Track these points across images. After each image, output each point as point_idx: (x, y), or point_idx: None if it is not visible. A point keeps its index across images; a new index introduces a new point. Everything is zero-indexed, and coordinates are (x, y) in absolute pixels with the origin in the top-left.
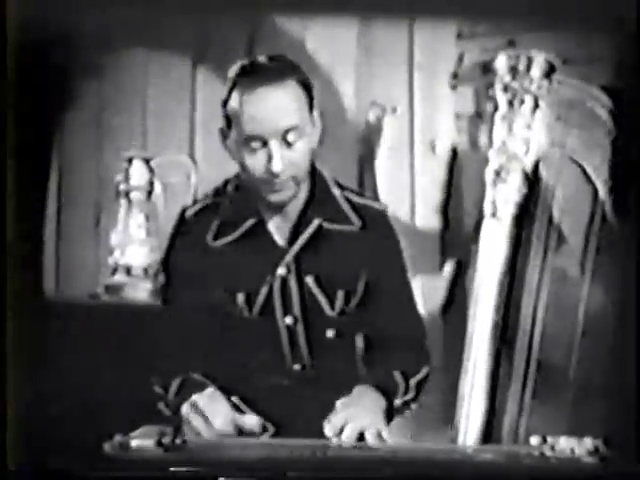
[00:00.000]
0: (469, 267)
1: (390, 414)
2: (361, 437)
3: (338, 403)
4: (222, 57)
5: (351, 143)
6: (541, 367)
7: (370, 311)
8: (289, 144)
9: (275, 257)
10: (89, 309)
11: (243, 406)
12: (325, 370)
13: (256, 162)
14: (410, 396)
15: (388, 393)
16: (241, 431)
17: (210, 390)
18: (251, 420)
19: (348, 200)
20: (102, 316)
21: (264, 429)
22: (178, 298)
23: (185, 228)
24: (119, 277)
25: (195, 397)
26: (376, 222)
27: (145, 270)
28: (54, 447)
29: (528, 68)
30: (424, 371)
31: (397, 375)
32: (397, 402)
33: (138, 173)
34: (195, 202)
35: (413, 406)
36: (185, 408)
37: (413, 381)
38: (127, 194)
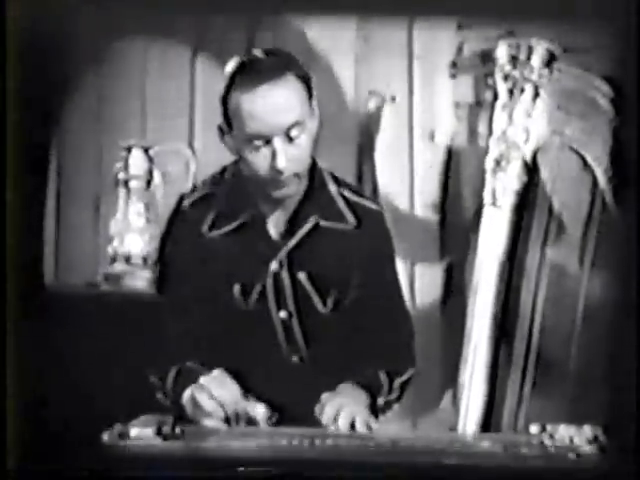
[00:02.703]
0: (469, 256)
1: (374, 410)
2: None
3: (323, 397)
4: (222, 46)
5: (350, 132)
6: (541, 356)
7: (361, 309)
8: (292, 140)
9: (269, 250)
10: (88, 298)
11: (248, 394)
12: (322, 361)
13: (259, 159)
14: (393, 396)
15: (372, 391)
16: (248, 417)
17: (218, 372)
18: (258, 409)
19: (344, 198)
20: (101, 305)
21: (270, 419)
22: (175, 287)
23: (182, 217)
24: (118, 266)
25: (203, 379)
26: (371, 221)
27: (144, 259)
28: (54, 436)
29: (528, 57)
30: (409, 372)
31: (382, 375)
32: (380, 401)
33: (137, 162)
34: (193, 190)
35: (395, 406)
36: (191, 390)
37: (398, 382)
38: (126, 183)
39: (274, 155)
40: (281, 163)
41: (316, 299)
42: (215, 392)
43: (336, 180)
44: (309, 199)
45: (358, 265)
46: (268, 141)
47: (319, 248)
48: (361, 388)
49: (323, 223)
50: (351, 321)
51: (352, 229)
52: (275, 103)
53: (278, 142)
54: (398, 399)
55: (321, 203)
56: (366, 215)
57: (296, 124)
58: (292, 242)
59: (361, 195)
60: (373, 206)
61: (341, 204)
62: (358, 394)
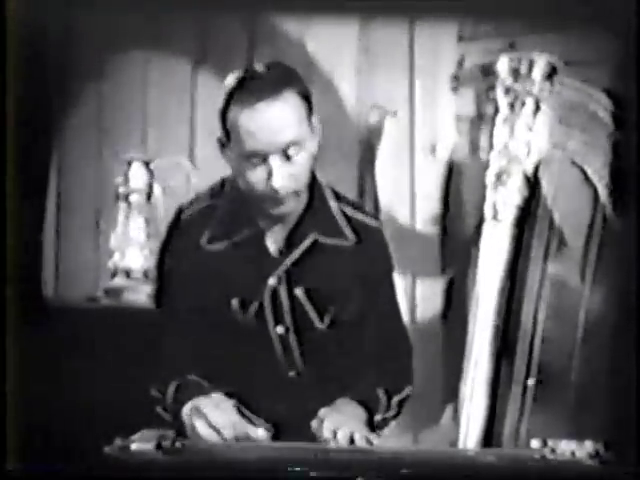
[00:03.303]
0: (470, 270)
1: (371, 426)
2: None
3: (320, 412)
4: (222, 59)
5: (352, 146)
6: (541, 370)
7: (358, 326)
8: (289, 158)
9: (268, 265)
10: (88, 312)
11: (247, 412)
12: (319, 376)
13: (256, 177)
14: (391, 413)
15: (369, 407)
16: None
17: (216, 396)
18: (260, 433)
19: (344, 214)
20: (101, 319)
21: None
22: (174, 301)
23: (180, 229)
24: (119, 280)
25: (201, 403)
26: (371, 238)
27: (145, 273)
28: (54, 450)
29: (529, 70)
30: (406, 391)
31: (380, 392)
32: (377, 417)
33: (137, 175)
34: (191, 202)
35: (393, 423)
36: (189, 413)
37: (396, 399)
38: (127, 197)
39: (270, 174)
40: (277, 182)
41: (313, 315)
42: (212, 418)
43: (337, 196)
44: (309, 215)
45: (356, 282)
46: (265, 159)
47: (318, 264)
48: (359, 404)
49: (322, 239)
50: (348, 337)
51: (351, 246)
52: (273, 121)
53: (275, 161)
54: (395, 416)
55: (321, 219)
56: (365, 232)
57: (294, 143)
58: (291, 258)
59: (361, 211)
60: (373, 223)
61: (341, 221)
62: (356, 410)
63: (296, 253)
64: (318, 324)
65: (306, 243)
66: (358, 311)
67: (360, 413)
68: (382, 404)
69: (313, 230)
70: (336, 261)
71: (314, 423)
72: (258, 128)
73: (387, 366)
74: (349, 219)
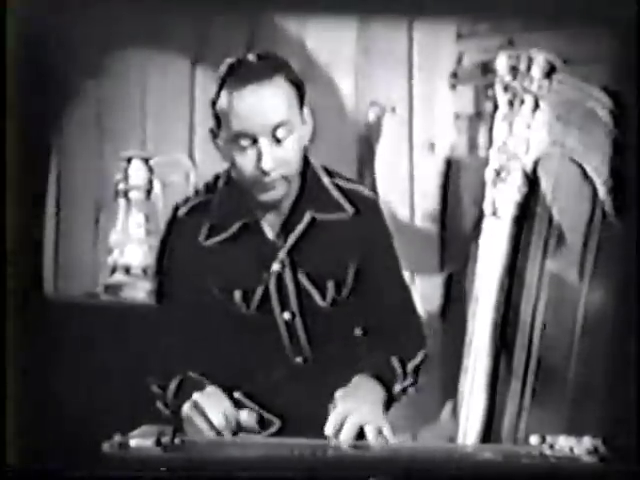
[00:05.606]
0: (469, 266)
1: (389, 403)
2: (361, 433)
3: (337, 394)
4: (221, 57)
5: (350, 142)
6: (540, 367)
7: (364, 299)
8: (279, 141)
9: (268, 252)
10: (88, 308)
11: (247, 402)
12: (327, 362)
13: (246, 160)
14: (408, 382)
15: (387, 382)
16: (241, 428)
17: (211, 388)
18: (247, 416)
19: (338, 187)
20: (101, 315)
21: (262, 425)
22: (175, 297)
23: (178, 226)
24: (118, 277)
25: (196, 396)
26: (366, 209)
27: (144, 270)
28: (54, 447)
29: (528, 68)
30: (420, 355)
31: (395, 361)
32: (396, 389)
33: (137, 172)
34: (187, 199)
35: (411, 391)
36: (186, 407)
37: (410, 366)
38: (126, 193)
39: (260, 156)
40: (266, 164)
41: (316, 294)
42: (207, 412)
43: (328, 172)
44: (303, 197)
45: (357, 253)
46: (255, 141)
47: (317, 241)
48: (376, 380)
49: (320, 217)
50: (355, 312)
51: (349, 218)
52: (261, 103)
53: (264, 142)
54: (413, 384)
55: (316, 197)
56: (362, 202)
57: (283, 124)
58: (291, 241)
59: (355, 182)
60: (368, 193)
61: (336, 194)
62: (374, 388)
63: (295, 235)
64: (321, 302)
65: (304, 222)
66: (361, 282)
67: (378, 391)
68: (398, 373)
69: (309, 209)
70: (336, 236)
71: (331, 407)
72: (247, 109)
73: (398, 333)
74: (344, 192)
